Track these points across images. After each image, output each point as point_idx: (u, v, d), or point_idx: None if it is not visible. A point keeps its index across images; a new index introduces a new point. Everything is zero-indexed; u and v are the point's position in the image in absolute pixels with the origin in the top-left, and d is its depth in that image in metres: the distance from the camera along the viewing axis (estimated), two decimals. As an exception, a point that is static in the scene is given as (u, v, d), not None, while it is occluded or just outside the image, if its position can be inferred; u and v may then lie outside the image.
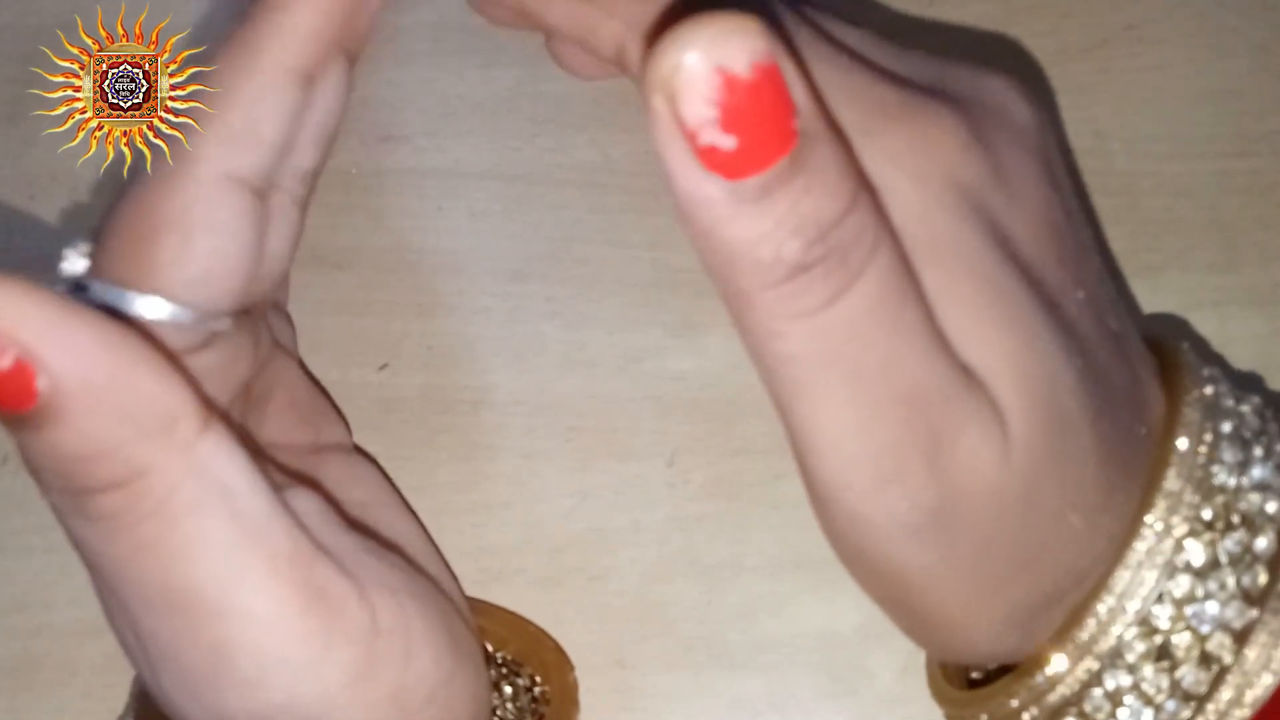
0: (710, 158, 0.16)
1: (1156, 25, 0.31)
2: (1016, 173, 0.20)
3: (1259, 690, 0.19)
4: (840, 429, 0.18)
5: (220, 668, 0.20)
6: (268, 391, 0.25)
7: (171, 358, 0.20)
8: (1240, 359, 0.28)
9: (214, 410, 0.20)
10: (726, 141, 0.15)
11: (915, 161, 0.19)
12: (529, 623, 0.27)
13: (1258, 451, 0.21)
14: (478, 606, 0.27)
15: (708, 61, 0.15)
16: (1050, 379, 0.19)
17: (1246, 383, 0.28)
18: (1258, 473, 0.20)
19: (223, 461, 0.19)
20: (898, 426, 0.18)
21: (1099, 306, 0.20)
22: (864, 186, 0.17)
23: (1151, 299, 0.29)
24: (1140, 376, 0.21)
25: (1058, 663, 0.20)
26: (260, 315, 0.25)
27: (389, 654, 0.21)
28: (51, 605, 0.28)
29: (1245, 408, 0.21)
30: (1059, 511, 0.19)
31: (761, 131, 0.16)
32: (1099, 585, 0.20)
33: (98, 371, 0.18)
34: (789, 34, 0.19)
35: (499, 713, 0.26)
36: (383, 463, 0.28)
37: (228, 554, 0.19)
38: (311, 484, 0.24)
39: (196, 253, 0.21)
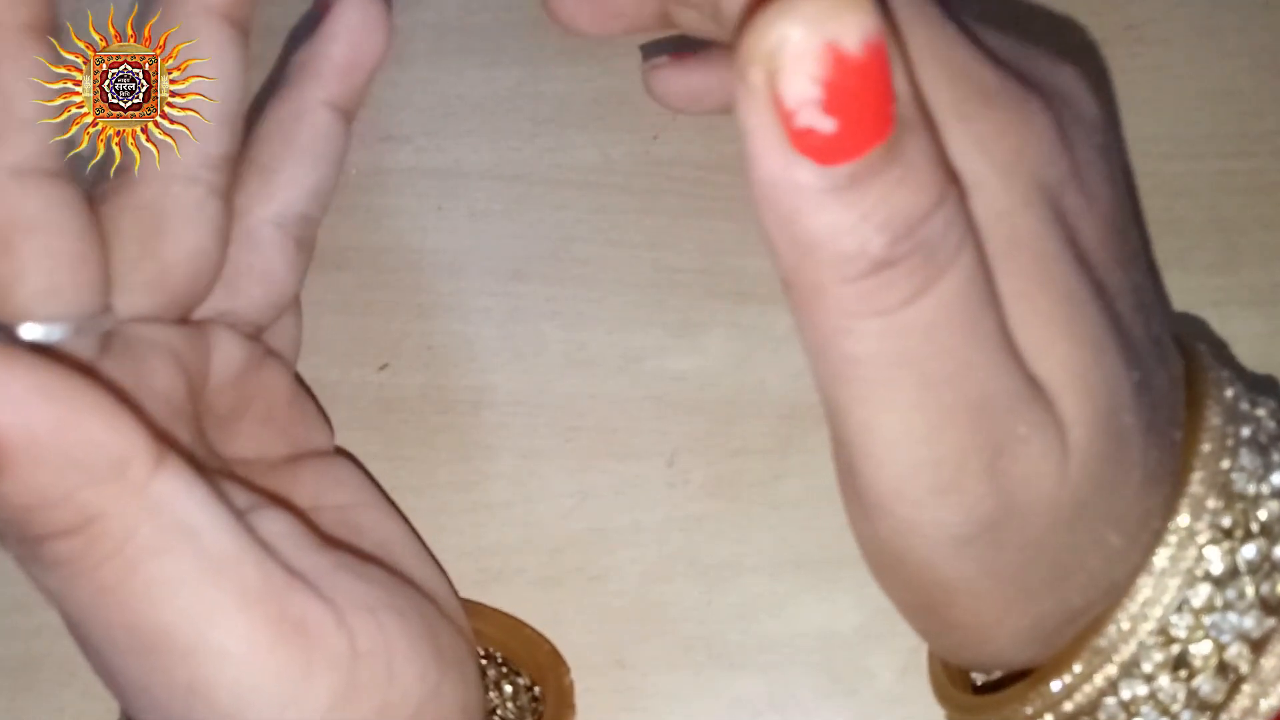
0: (804, 140, 0.15)
1: (1156, 25, 0.31)
2: (1089, 173, 0.19)
3: (1274, 700, 0.19)
4: (903, 434, 0.17)
5: (197, 705, 0.20)
6: (244, 404, 0.25)
7: (120, 385, 0.19)
8: (1240, 359, 0.28)
9: (169, 445, 0.19)
10: (826, 124, 0.14)
11: (1005, 155, 0.18)
12: (524, 624, 0.27)
13: (1276, 458, 0.20)
14: (474, 609, 0.27)
15: (817, 36, 0.14)
16: (1112, 394, 0.18)
17: (1259, 386, 0.28)
18: (1277, 479, 0.20)
19: (181, 499, 0.19)
20: (963, 435, 0.17)
21: (1146, 310, 0.20)
22: (953, 181, 0.16)
23: (1170, 303, 0.29)
24: (1175, 380, 0.21)
25: (1076, 669, 0.20)
26: (210, 325, 0.24)
27: (371, 675, 0.21)
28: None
29: (1261, 412, 0.21)
30: (1103, 525, 0.19)
31: (863, 116, 0.15)
32: (1120, 592, 0.20)
33: (41, 421, 0.17)
34: (891, 4, 0.18)
35: (500, 712, 0.26)
36: (382, 463, 0.28)
37: (195, 592, 0.19)
38: (283, 498, 0.24)
39: (28, 261, 0.20)
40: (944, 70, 0.18)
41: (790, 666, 0.27)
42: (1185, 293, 0.29)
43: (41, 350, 0.20)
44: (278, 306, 0.26)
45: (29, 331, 0.20)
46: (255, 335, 0.26)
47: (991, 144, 0.18)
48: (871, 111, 0.15)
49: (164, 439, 0.19)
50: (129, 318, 0.22)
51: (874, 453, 0.18)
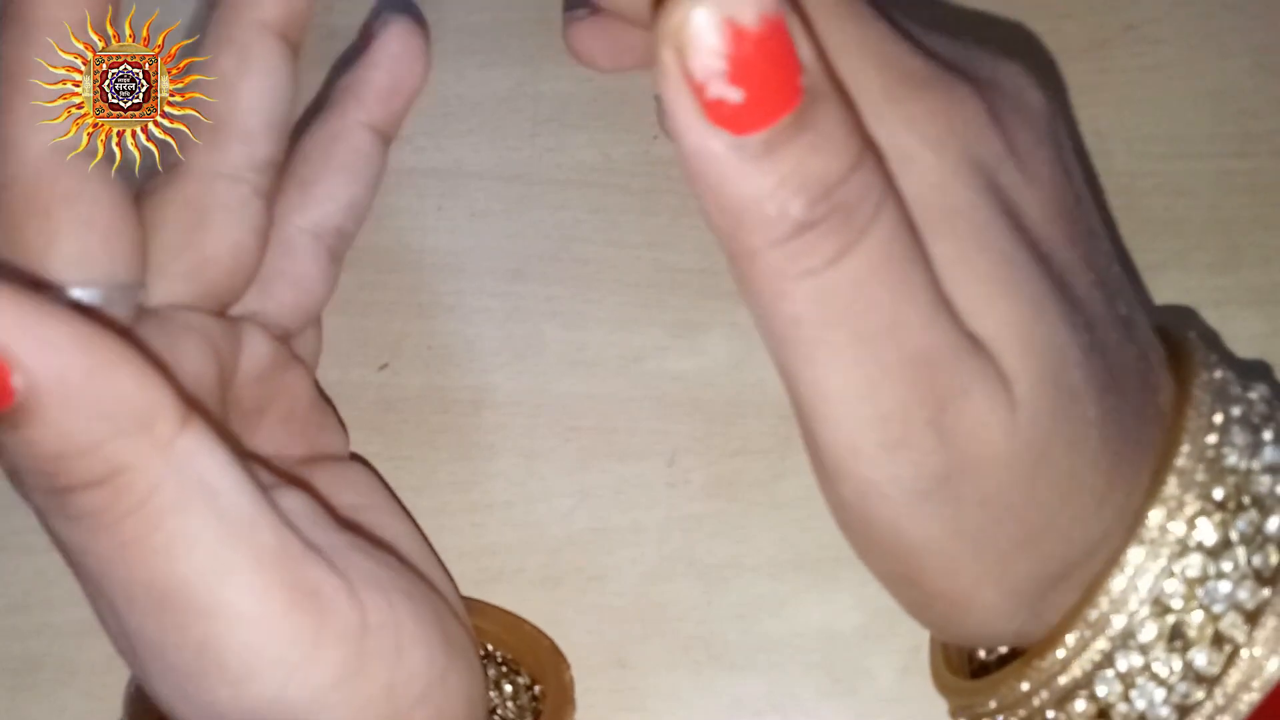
0: (717, 111, 0.16)
1: (1156, 25, 0.31)
2: (1030, 155, 0.20)
3: (1268, 674, 0.19)
4: (846, 392, 0.18)
5: (208, 665, 0.20)
6: (267, 402, 0.25)
7: (152, 357, 0.20)
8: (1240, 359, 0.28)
9: (195, 408, 0.20)
10: (733, 94, 0.16)
11: (935, 131, 0.19)
12: (525, 622, 0.27)
13: (1267, 435, 0.21)
14: (474, 606, 0.27)
15: (716, 14, 0.15)
16: (1056, 350, 0.19)
17: (1252, 372, 0.28)
18: (1269, 455, 0.20)
19: (204, 459, 0.19)
20: (903, 388, 0.18)
21: (1109, 290, 0.21)
22: (869, 147, 0.17)
23: (1151, 299, 0.29)
24: (1149, 360, 0.21)
25: (1070, 642, 0.20)
26: (243, 321, 0.25)
27: (379, 651, 0.21)
28: (52, 605, 0.28)
29: (1253, 394, 0.21)
30: (1066, 482, 0.19)
31: (768, 86, 0.16)
32: (1110, 563, 0.20)
33: (74, 369, 0.18)
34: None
35: (500, 711, 0.26)
36: (382, 463, 0.28)
37: (212, 552, 0.19)
38: (302, 485, 0.24)
39: (62, 227, 0.21)
40: (874, 60, 0.19)
41: (790, 666, 0.27)
42: (1185, 293, 0.29)
43: (80, 309, 0.21)
44: (308, 312, 0.27)
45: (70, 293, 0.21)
46: (283, 340, 0.26)
47: (922, 123, 0.19)
48: (777, 82, 0.16)
49: (191, 404, 0.20)
50: (167, 304, 0.23)
51: (824, 412, 0.19)
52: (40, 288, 0.21)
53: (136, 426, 0.19)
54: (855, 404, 0.18)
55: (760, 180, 0.16)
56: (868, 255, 0.17)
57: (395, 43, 0.27)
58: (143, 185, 0.24)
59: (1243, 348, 0.28)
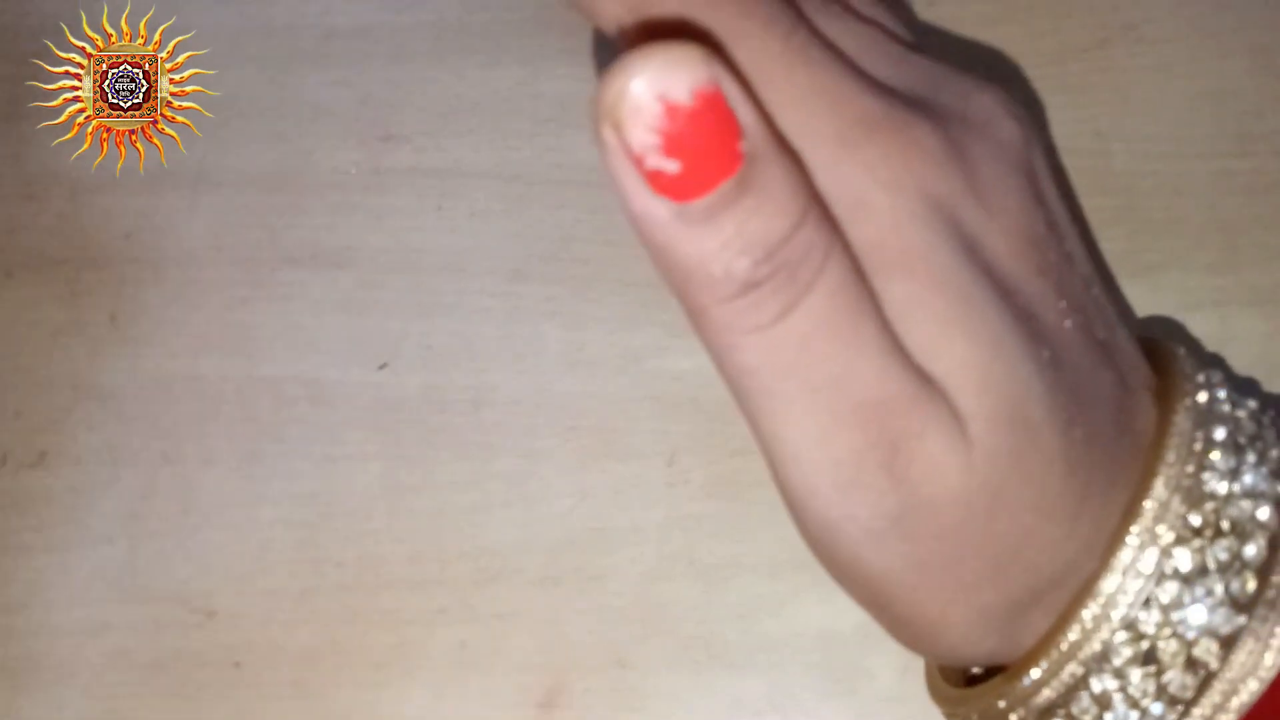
0: (657, 181, 0.16)
1: (1156, 25, 0.31)
2: (994, 186, 0.20)
3: (1244, 696, 0.20)
4: (800, 438, 0.19)
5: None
6: None
7: None
8: (1240, 359, 0.28)
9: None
10: (670, 166, 0.16)
11: (890, 174, 0.19)
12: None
13: (1250, 457, 0.21)
14: None
15: (650, 90, 0.15)
16: (1016, 386, 0.19)
17: (1241, 387, 0.28)
18: (1249, 479, 0.20)
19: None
20: (856, 434, 0.18)
21: (1085, 316, 0.21)
22: (814, 203, 0.17)
23: (1151, 299, 0.29)
24: (1129, 386, 0.21)
25: (1043, 667, 0.20)
26: None
27: None
28: (51, 605, 0.28)
29: (1241, 412, 0.21)
30: (1028, 516, 0.19)
31: (705, 156, 0.16)
32: (1084, 591, 0.20)
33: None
34: (776, 43, 0.19)
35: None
36: (382, 463, 0.28)
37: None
38: None
39: None
40: (826, 105, 0.19)
41: (790, 666, 0.27)
42: (1185, 293, 0.29)
43: None
44: None
45: None
46: None
47: (877, 166, 0.19)
48: (714, 150, 0.16)
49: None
50: None
51: (781, 456, 0.19)
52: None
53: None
54: (809, 449, 0.19)
55: (704, 243, 0.17)
56: (813, 310, 0.17)
57: None
58: None
59: (1243, 348, 0.28)
